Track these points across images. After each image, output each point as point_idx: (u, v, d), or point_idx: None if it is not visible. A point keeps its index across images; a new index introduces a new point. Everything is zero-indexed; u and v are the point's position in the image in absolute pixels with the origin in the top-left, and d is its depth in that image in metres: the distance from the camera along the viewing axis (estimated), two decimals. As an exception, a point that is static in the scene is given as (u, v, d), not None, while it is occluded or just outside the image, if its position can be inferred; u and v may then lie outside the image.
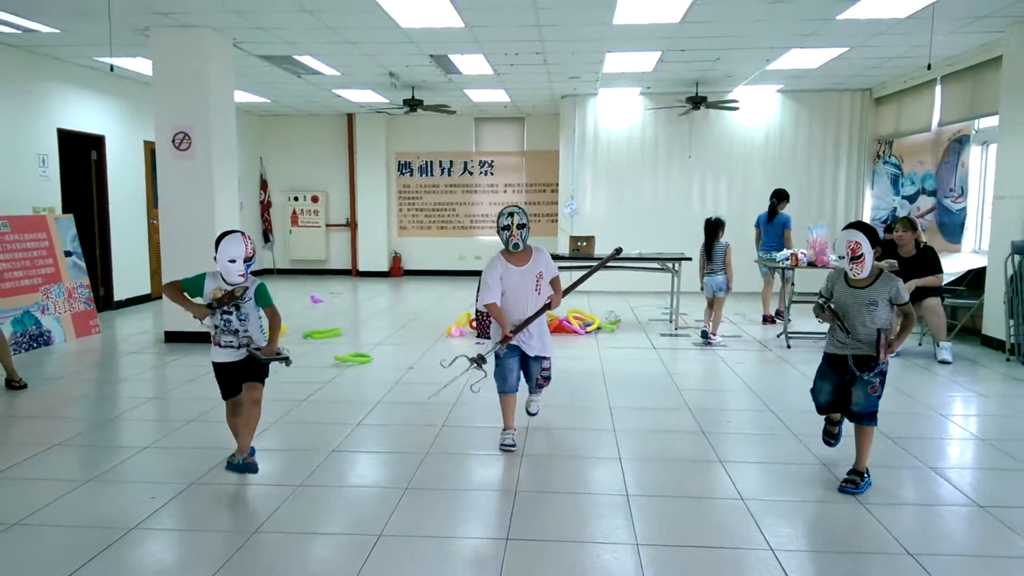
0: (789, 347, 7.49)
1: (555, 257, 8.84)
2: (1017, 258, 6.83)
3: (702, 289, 7.86)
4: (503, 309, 4.29)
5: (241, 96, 11.42)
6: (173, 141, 7.38)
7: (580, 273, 10.35)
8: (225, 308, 3.72)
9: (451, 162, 13.97)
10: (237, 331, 3.76)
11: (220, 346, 3.79)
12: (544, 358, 4.43)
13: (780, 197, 9.04)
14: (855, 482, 3.78)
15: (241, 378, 3.87)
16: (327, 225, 14.18)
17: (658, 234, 11.23)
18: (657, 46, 8.25)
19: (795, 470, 4.12)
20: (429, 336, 7.96)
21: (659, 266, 8.68)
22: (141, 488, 3.81)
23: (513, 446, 4.32)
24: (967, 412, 5.43)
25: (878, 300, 3.74)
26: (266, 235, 14.08)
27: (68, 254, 7.84)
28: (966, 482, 3.99)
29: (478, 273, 4.13)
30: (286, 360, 3.83)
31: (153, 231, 10.53)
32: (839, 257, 3.81)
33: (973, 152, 8.61)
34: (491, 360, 4.38)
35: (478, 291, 4.45)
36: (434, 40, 7.97)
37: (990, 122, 8.13)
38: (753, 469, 4.17)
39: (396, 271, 14.13)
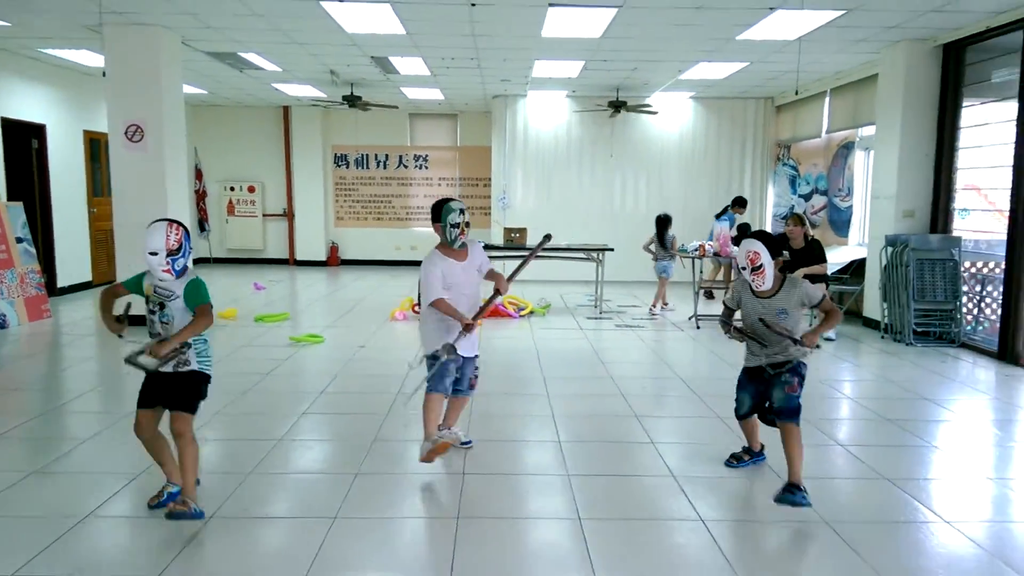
0: (699, 328, 8.44)
1: (490, 247, 9.61)
2: (890, 250, 7.94)
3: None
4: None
5: (180, 88, 11.63)
6: (126, 133, 7.71)
7: (516, 262, 11.15)
8: (149, 308, 3.31)
9: (387, 155, 14.48)
10: (159, 335, 3.26)
11: None
12: (476, 356, 4.24)
13: (735, 203, 10.55)
14: (790, 491, 3.51)
15: (164, 397, 3.36)
16: (264, 215, 14.46)
17: (583, 227, 12.09)
18: (581, 56, 9.06)
19: (695, 421, 4.98)
20: (374, 320, 8.55)
21: (584, 256, 9.50)
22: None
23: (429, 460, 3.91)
24: (842, 378, 6.43)
25: (787, 308, 3.62)
26: (202, 224, 14.25)
27: (19, 240, 8.06)
28: (833, 429, 4.92)
29: (414, 263, 3.90)
30: (171, 364, 3.24)
31: (94, 219, 10.70)
32: (742, 268, 3.67)
33: (858, 157, 9.78)
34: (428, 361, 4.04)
35: (419, 290, 4.05)
36: (376, 44, 8.54)
37: (871, 130, 9.27)
38: (661, 421, 5.01)
39: (333, 260, 14.55)
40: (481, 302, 4.17)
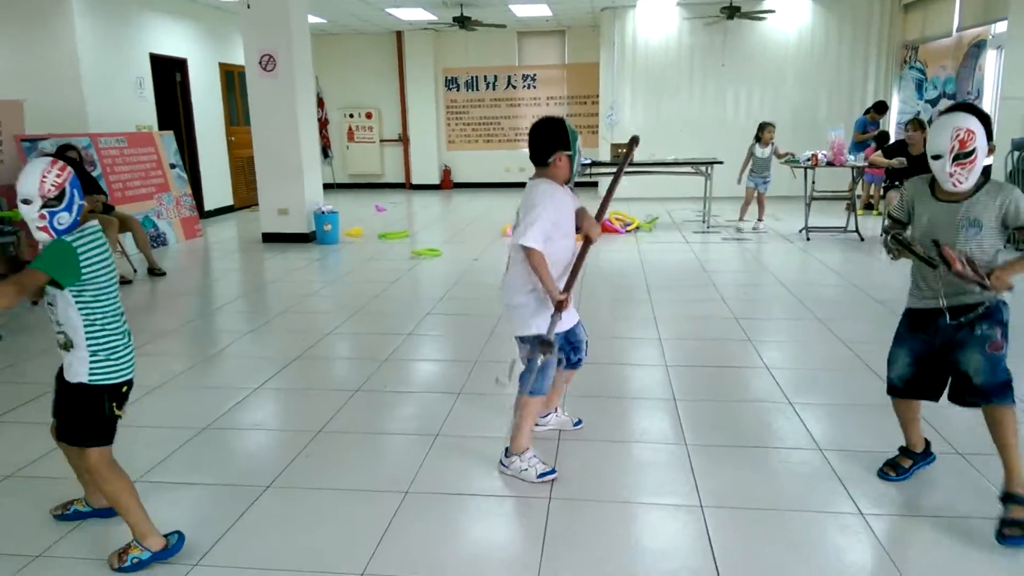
0: (809, 239, 8.41)
1: (598, 164, 9.78)
2: (1016, 154, 7.57)
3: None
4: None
5: (302, 18, 12.23)
6: (260, 63, 8.36)
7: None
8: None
9: (495, 76, 14.70)
10: (58, 324, 2.36)
11: None
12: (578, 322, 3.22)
13: (874, 108, 10.03)
14: (1020, 524, 2.48)
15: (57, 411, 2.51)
16: (381, 140, 15.13)
17: (693, 141, 11.99)
18: (692, -38, 8.88)
19: (795, 324, 5.18)
20: (487, 236, 9.04)
21: (692, 170, 9.53)
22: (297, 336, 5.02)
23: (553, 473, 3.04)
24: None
25: (982, 219, 2.50)
26: (325, 151, 15.08)
27: (172, 166, 9.00)
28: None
29: (523, 185, 3.15)
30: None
31: (232, 147, 11.64)
32: (934, 157, 2.50)
33: (989, 56, 9.17)
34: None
35: (518, 216, 3.02)
36: (486, -38, 8.72)
37: (1005, 26, 8.66)
38: (760, 323, 5.24)
39: (447, 183, 15.13)
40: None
